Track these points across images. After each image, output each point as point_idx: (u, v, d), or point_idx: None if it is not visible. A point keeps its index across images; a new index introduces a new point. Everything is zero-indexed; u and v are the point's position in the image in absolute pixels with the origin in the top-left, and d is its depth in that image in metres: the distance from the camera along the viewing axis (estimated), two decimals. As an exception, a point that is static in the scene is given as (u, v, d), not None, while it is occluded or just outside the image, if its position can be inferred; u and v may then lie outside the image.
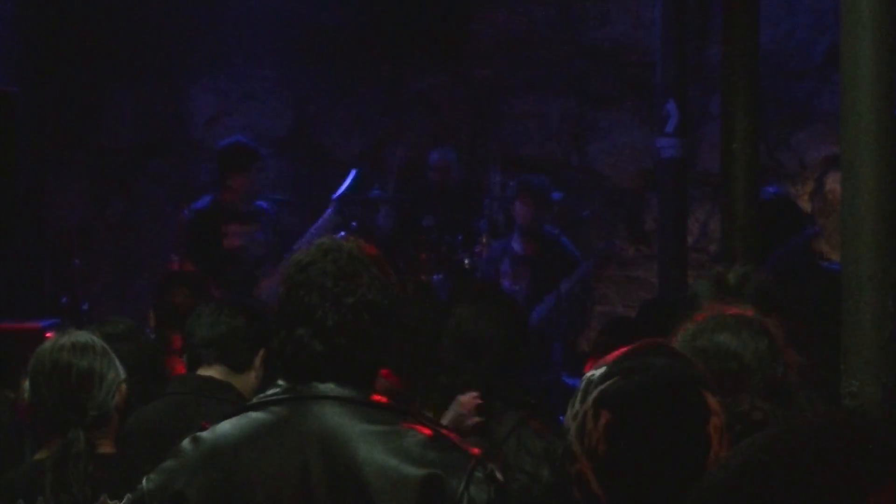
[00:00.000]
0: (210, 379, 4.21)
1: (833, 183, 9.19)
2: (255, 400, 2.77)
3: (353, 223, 8.67)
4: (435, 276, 8.38)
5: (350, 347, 2.72)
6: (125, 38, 9.68)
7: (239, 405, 2.86)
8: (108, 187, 9.87)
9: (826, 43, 9.25)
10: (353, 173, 7.84)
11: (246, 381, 4.24)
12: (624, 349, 2.13)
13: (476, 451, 2.69)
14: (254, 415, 2.73)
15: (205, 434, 2.74)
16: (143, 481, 2.76)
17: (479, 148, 9.83)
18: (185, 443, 2.74)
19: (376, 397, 2.74)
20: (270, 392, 2.76)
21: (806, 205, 9.50)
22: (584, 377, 2.12)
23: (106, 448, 3.53)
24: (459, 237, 8.66)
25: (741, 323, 2.93)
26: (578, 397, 2.09)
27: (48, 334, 6.52)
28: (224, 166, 7.42)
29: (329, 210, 7.56)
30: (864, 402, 4.11)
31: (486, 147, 9.81)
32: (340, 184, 9.29)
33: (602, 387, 2.06)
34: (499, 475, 2.69)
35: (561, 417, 5.10)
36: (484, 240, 8.66)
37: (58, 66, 9.70)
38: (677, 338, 2.91)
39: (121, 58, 9.71)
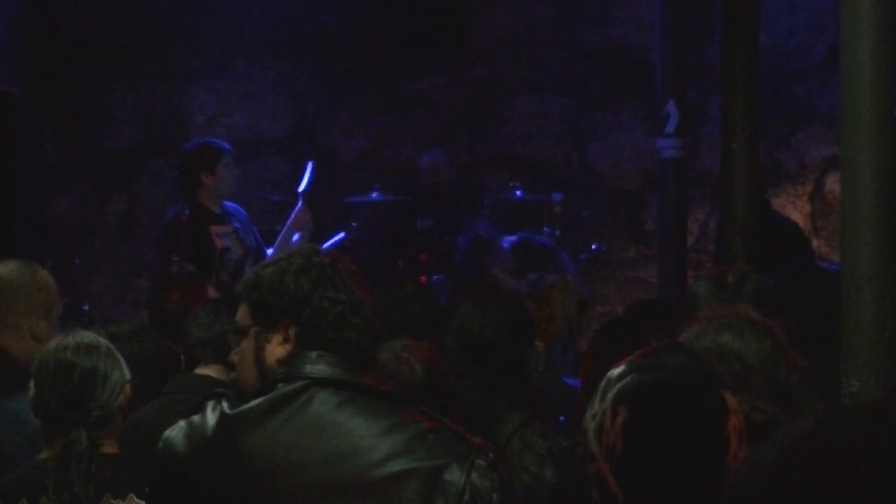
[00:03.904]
0: (207, 378, 4.24)
1: (833, 183, 9.19)
2: (267, 380, 2.82)
3: (353, 223, 8.67)
4: (434, 277, 8.38)
5: (359, 338, 2.81)
6: (125, 38, 9.68)
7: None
8: (108, 187, 9.87)
9: (826, 43, 9.26)
10: (309, 165, 7.86)
11: (243, 381, 4.27)
12: (644, 349, 2.13)
13: (478, 440, 2.72)
14: (265, 398, 2.77)
15: (226, 406, 2.79)
16: (168, 431, 2.84)
17: (479, 148, 9.84)
18: (210, 410, 2.80)
19: (378, 387, 2.78)
20: (280, 370, 2.81)
21: (805, 205, 9.51)
22: (605, 377, 2.11)
23: (109, 448, 3.54)
24: (459, 237, 8.66)
25: (745, 324, 2.94)
26: (598, 397, 2.08)
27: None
28: (195, 166, 7.41)
29: (299, 204, 7.57)
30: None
31: (485, 147, 9.82)
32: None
33: (620, 385, 2.06)
34: (502, 470, 2.72)
35: (561, 418, 5.11)
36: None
37: (58, 66, 9.71)
38: (683, 338, 2.91)
39: (121, 58, 9.71)
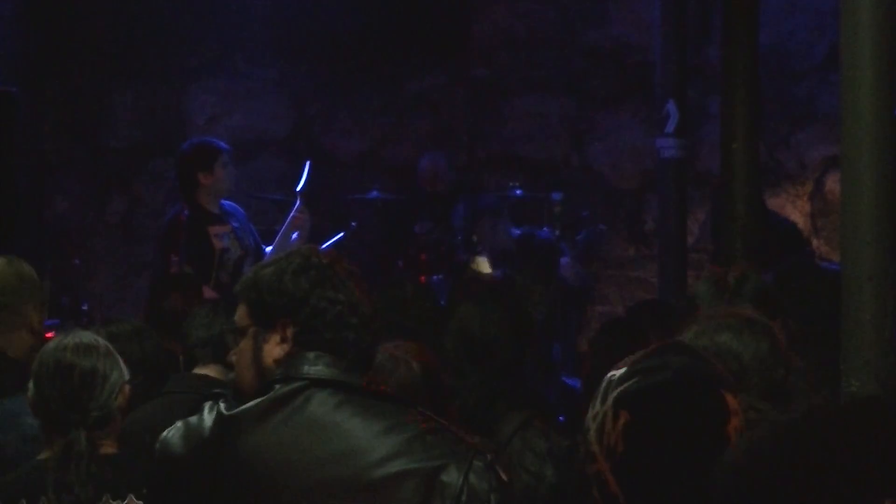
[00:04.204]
0: (206, 377, 4.26)
1: (833, 183, 9.19)
2: (266, 381, 2.81)
3: (353, 223, 8.66)
4: (434, 277, 8.38)
5: (358, 338, 2.81)
6: (125, 38, 9.68)
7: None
8: (108, 187, 9.87)
9: (826, 43, 9.25)
10: (307, 164, 7.87)
11: (241, 381, 4.28)
12: (645, 350, 2.13)
13: (476, 441, 2.72)
14: (263, 398, 2.77)
15: (224, 407, 2.78)
16: (166, 432, 2.83)
17: (479, 148, 9.84)
18: (207, 413, 2.79)
19: (378, 387, 2.78)
20: (277, 377, 2.80)
21: (806, 205, 9.51)
22: (605, 378, 2.11)
23: (108, 448, 3.53)
24: (459, 237, 8.66)
25: (744, 324, 2.94)
26: (599, 398, 2.09)
27: (49, 334, 6.52)
28: (193, 166, 7.40)
29: (297, 203, 7.57)
30: (864, 402, 4.11)
31: (485, 147, 9.82)
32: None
33: (621, 387, 2.06)
34: (500, 471, 2.71)
35: (561, 418, 5.11)
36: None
37: (58, 66, 9.70)
38: (682, 338, 2.91)
39: (121, 58, 9.71)
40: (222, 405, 2.78)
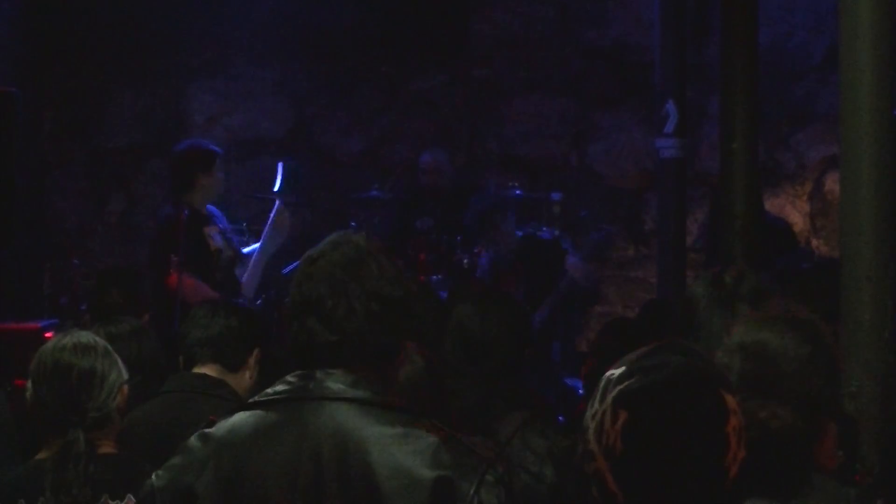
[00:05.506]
0: (204, 376, 4.26)
1: (832, 183, 9.19)
2: (263, 396, 2.75)
3: (353, 223, 8.66)
4: (434, 277, 8.38)
5: (360, 337, 2.72)
6: (125, 38, 9.68)
7: (249, 401, 2.83)
8: (108, 187, 9.87)
9: (826, 43, 9.25)
10: (280, 165, 7.85)
11: (240, 380, 4.29)
12: (643, 349, 2.12)
13: (488, 454, 2.69)
14: (263, 411, 2.71)
15: (212, 430, 2.71)
16: (153, 477, 2.73)
17: (479, 148, 9.84)
18: (193, 439, 2.72)
19: (391, 398, 2.73)
20: (280, 388, 2.74)
21: (805, 205, 9.51)
22: (603, 376, 2.11)
23: (107, 448, 3.53)
24: (458, 237, 8.66)
25: (790, 325, 2.84)
26: (597, 397, 2.09)
27: (47, 334, 6.53)
28: (193, 167, 7.40)
29: (277, 204, 7.56)
30: (864, 402, 4.11)
31: (485, 147, 9.82)
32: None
33: (620, 386, 2.06)
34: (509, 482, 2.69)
35: (560, 417, 5.10)
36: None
37: (58, 66, 9.71)
38: (736, 329, 2.83)
39: (120, 58, 9.71)
40: (208, 430, 2.71)
